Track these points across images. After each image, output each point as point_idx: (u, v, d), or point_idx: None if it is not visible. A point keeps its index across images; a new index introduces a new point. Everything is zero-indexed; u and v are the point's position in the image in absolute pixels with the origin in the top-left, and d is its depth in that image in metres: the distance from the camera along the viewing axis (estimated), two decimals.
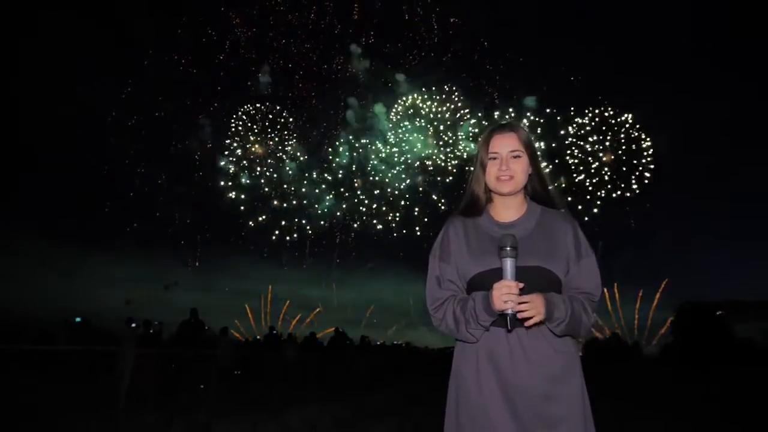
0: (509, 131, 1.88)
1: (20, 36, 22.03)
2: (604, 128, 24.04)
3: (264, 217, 21.23)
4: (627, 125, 24.35)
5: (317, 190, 20.59)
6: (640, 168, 24.85)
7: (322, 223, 21.45)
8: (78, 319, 15.82)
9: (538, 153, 1.92)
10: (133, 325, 13.53)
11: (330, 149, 20.32)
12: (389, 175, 20.38)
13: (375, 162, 20.37)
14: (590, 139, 23.74)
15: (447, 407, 1.84)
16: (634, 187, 24.98)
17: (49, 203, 30.22)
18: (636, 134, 24.45)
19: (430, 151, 20.38)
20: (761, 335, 25.19)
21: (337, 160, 20.26)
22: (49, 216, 30.62)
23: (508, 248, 1.66)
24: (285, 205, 20.90)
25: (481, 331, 1.75)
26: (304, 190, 20.59)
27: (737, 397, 10.31)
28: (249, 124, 20.20)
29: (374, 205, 21.38)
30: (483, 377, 1.75)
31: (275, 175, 20.52)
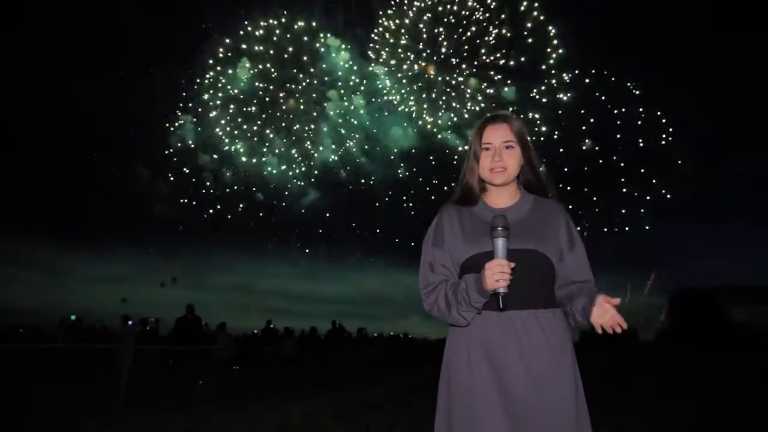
0: (502, 122, 1.90)
1: (12, 34, 21.78)
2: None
3: (242, 209, 21.03)
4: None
5: (301, 184, 20.47)
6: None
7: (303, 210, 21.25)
8: (73, 317, 15.81)
9: (531, 143, 1.94)
10: (130, 322, 13.55)
11: (311, 144, 20.16)
12: (372, 169, 20.26)
13: (357, 156, 20.22)
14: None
15: (439, 392, 1.86)
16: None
17: (39, 202, 30.07)
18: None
19: (411, 142, 20.16)
20: (757, 319, 25.38)
21: (318, 154, 20.14)
22: (38, 216, 30.46)
23: (500, 228, 1.68)
24: (268, 199, 20.75)
25: (472, 313, 1.76)
26: (290, 186, 20.47)
27: (735, 384, 10.37)
28: (230, 119, 20.00)
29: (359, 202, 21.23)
30: (473, 362, 1.76)
31: (255, 172, 20.36)
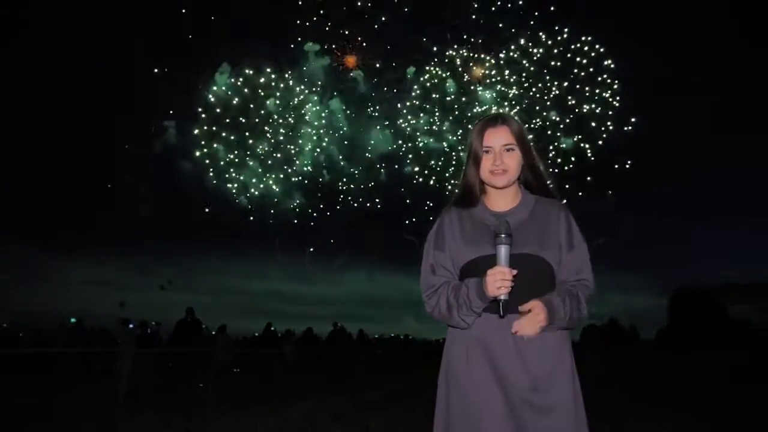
0: (502, 124, 1.90)
1: None
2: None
3: (226, 213, 20.98)
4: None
5: (281, 186, 20.40)
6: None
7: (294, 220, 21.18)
8: (73, 320, 15.78)
9: (530, 142, 1.94)
10: (131, 325, 13.56)
11: (293, 148, 20.11)
12: (355, 173, 20.21)
13: (338, 160, 20.19)
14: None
15: (438, 393, 1.86)
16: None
17: (36, 206, 30.00)
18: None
19: (389, 146, 20.14)
20: (757, 318, 25.39)
21: (302, 160, 20.11)
22: (36, 220, 30.39)
23: (503, 235, 1.69)
24: (250, 205, 20.69)
25: (473, 317, 1.77)
26: (275, 188, 20.42)
27: (735, 383, 10.37)
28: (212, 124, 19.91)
29: (340, 202, 21.17)
30: (472, 363, 1.77)
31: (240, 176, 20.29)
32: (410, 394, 8.98)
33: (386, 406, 7.77)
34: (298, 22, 18.47)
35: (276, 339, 16.61)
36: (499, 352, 1.74)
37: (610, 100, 19.12)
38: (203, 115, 19.16)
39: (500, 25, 18.73)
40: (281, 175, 19.83)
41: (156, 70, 19.08)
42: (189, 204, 20.52)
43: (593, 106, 19.01)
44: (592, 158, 19.46)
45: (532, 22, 18.81)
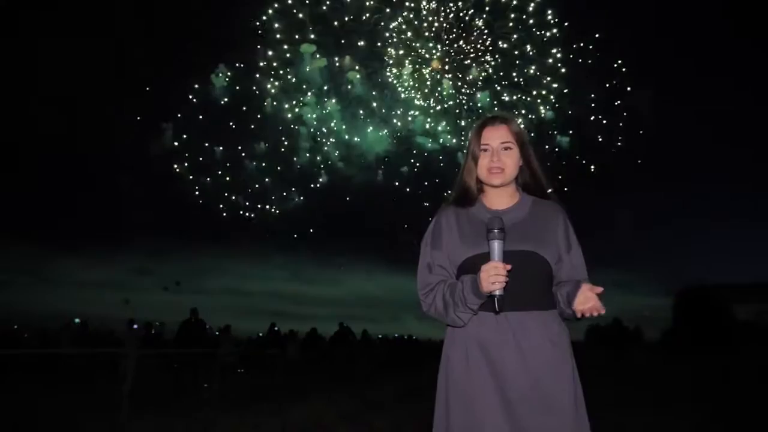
0: (500, 123, 1.90)
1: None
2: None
3: (225, 214, 20.99)
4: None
5: (280, 187, 20.37)
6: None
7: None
8: (77, 321, 15.85)
9: (530, 144, 1.94)
10: (135, 326, 13.60)
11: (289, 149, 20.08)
12: (351, 172, 20.18)
13: (335, 161, 20.17)
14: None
15: (437, 393, 1.85)
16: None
17: (28, 208, 30.09)
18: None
19: (385, 147, 20.10)
20: (762, 316, 25.29)
21: (298, 158, 20.06)
22: (30, 221, 30.48)
23: (496, 230, 1.68)
24: (248, 205, 20.66)
25: (469, 314, 1.77)
26: (272, 192, 20.42)
27: (739, 383, 10.33)
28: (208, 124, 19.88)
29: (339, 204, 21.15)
30: (472, 363, 1.76)
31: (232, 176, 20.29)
32: (413, 394, 8.98)
33: (390, 406, 7.79)
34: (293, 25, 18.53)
35: (280, 339, 16.63)
36: (499, 352, 1.73)
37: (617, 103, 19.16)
38: (199, 117, 19.26)
39: (509, 22, 18.70)
40: (279, 177, 19.88)
41: (155, 73, 19.16)
42: (188, 206, 20.58)
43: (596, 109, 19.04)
44: (593, 168, 19.47)
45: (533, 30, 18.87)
